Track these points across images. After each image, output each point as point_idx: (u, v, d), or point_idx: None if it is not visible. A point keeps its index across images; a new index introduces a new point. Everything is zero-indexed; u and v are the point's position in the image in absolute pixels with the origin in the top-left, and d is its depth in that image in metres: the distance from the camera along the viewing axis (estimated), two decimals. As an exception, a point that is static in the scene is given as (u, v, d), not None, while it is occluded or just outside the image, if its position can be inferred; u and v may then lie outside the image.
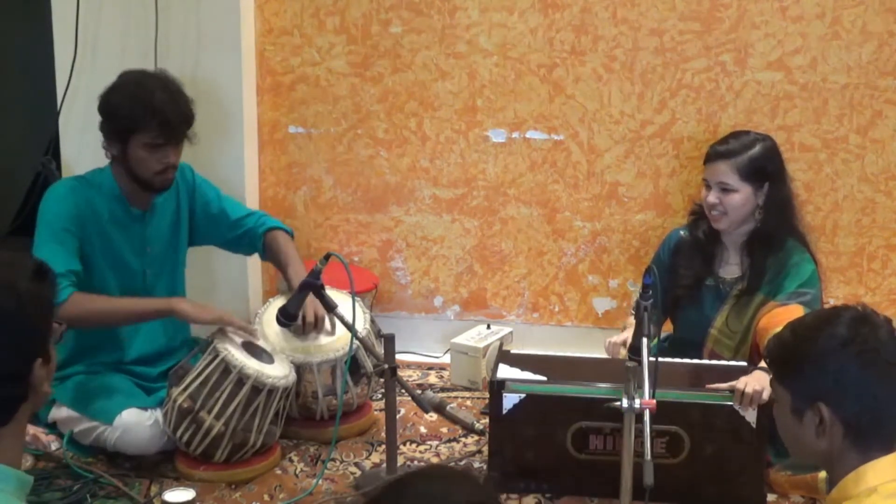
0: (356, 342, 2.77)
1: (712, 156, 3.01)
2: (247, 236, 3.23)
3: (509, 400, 2.77)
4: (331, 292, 2.83)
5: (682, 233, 3.18)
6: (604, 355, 3.05)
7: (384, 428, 2.90)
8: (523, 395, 2.77)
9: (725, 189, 2.97)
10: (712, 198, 2.99)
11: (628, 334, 2.98)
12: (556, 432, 2.77)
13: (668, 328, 3.27)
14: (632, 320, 3.17)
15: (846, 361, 1.67)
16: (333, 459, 3.00)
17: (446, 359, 3.73)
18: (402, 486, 1.26)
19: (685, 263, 3.10)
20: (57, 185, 3.05)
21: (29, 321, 1.59)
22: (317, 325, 3.05)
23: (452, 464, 3.00)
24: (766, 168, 2.97)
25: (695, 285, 3.08)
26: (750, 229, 3.02)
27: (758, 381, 2.69)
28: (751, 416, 2.70)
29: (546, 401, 2.78)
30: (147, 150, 2.90)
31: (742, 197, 2.97)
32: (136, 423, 2.87)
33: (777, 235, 2.98)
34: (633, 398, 2.37)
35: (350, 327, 2.64)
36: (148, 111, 2.85)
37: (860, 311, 1.73)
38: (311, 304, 3.00)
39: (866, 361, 1.67)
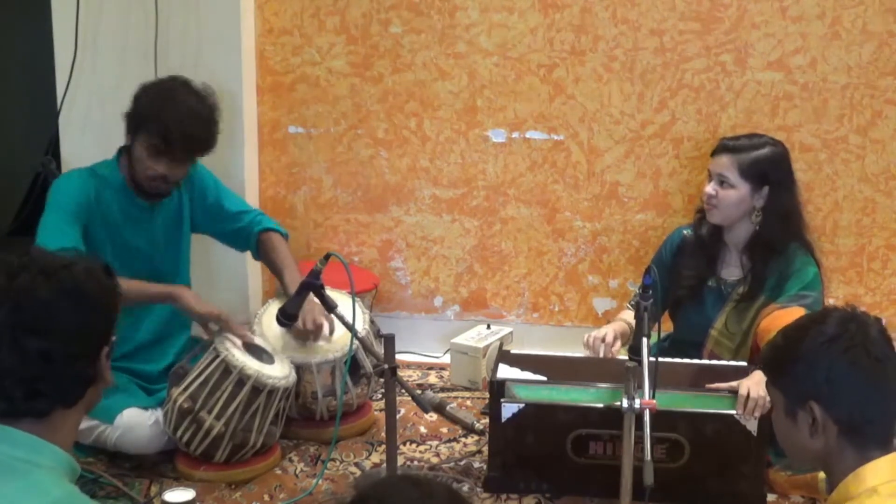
0: (356, 342, 2.77)
1: (719, 148, 3.03)
2: (242, 232, 3.23)
3: (508, 409, 2.77)
4: (330, 292, 2.82)
5: (685, 232, 3.17)
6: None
7: (384, 428, 2.89)
8: (522, 405, 2.77)
9: (723, 182, 2.97)
10: (709, 188, 3.00)
11: (613, 328, 2.98)
12: (555, 439, 2.77)
13: (668, 328, 3.26)
14: (622, 315, 3.17)
15: (834, 359, 1.68)
16: (333, 459, 3.00)
17: (446, 359, 3.73)
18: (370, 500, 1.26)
19: (688, 263, 3.10)
20: (68, 174, 3.09)
21: (104, 307, 1.70)
22: (315, 333, 3.06)
23: (452, 464, 3.00)
24: (767, 172, 2.96)
25: (697, 286, 3.08)
26: (749, 233, 3.02)
27: (760, 385, 2.67)
28: (752, 425, 2.69)
29: (545, 409, 2.77)
30: (146, 152, 2.90)
31: (738, 194, 2.96)
32: (137, 423, 2.88)
33: (777, 242, 2.97)
34: (633, 398, 2.37)
35: (350, 327, 2.64)
36: (160, 116, 2.86)
37: (849, 311, 1.74)
38: (310, 311, 3.00)
39: (854, 358, 1.67)
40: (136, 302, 2.96)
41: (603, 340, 2.94)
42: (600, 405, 2.74)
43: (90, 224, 2.94)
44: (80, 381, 1.68)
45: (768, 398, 2.64)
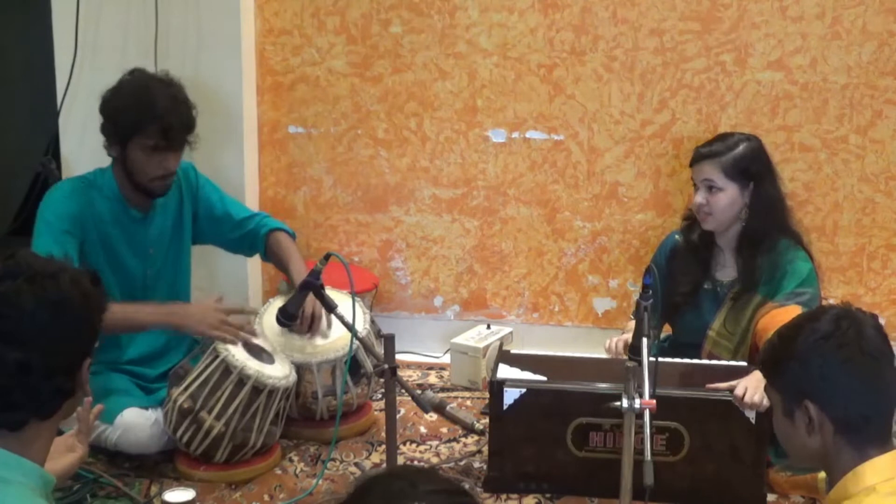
0: (356, 342, 2.78)
1: (696, 157, 3.03)
2: (248, 237, 3.23)
3: (510, 395, 2.78)
4: (331, 292, 2.82)
5: (677, 237, 3.18)
6: (604, 355, 3.05)
7: (384, 428, 2.90)
8: (524, 390, 2.78)
9: (712, 188, 2.97)
10: (699, 198, 3.00)
11: (629, 336, 2.98)
12: (556, 429, 2.78)
13: (667, 330, 3.27)
14: (632, 324, 3.17)
15: (827, 356, 1.68)
16: (333, 459, 3.00)
17: (446, 359, 3.73)
18: (367, 488, 1.27)
19: (682, 269, 3.10)
20: (59, 185, 3.04)
21: (89, 319, 1.66)
22: (312, 325, 3.05)
23: (452, 464, 3.00)
24: (749, 168, 2.98)
25: (693, 291, 3.08)
26: (739, 230, 3.03)
27: (756, 387, 2.68)
28: (751, 413, 2.71)
29: (546, 395, 2.78)
30: (146, 154, 2.88)
31: (728, 196, 2.97)
32: (137, 423, 2.88)
33: (766, 235, 2.98)
34: (633, 398, 2.37)
35: (350, 327, 2.64)
36: (150, 115, 2.83)
37: (843, 309, 1.74)
38: (311, 302, 3.00)
39: (847, 355, 1.67)
40: (133, 331, 2.96)
41: (626, 347, 2.95)
42: (602, 388, 2.74)
43: (86, 239, 2.92)
44: (58, 394, 1.63)
45: (765, 400, 2.65)
